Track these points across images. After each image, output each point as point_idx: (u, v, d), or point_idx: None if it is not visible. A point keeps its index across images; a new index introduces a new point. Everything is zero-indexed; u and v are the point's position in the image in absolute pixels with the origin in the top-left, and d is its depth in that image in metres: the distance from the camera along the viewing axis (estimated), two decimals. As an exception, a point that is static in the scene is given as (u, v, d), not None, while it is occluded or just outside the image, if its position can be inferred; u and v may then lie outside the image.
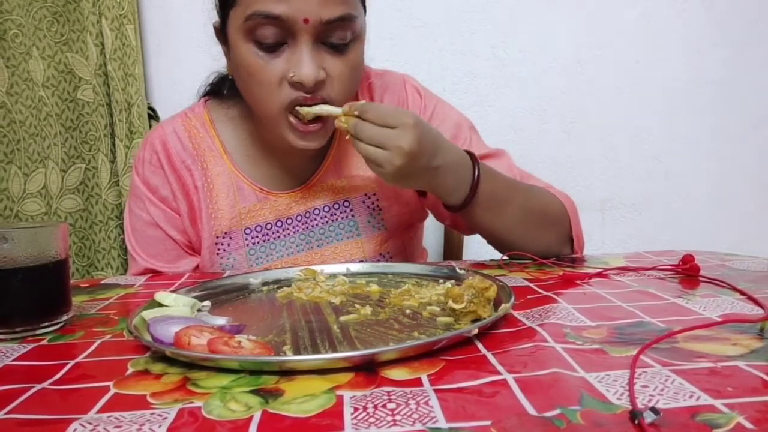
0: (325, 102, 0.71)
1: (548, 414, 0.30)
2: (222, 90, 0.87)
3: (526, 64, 1.41)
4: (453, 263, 0.74)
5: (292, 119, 0.71)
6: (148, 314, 0.50)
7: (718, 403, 0.31)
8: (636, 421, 0.29)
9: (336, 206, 0.84)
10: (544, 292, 0.57)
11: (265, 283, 0.66)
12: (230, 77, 0.80)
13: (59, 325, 0.53)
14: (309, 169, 0.85)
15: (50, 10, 1.27)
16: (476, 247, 1.36)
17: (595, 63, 1.42)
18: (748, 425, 0.28)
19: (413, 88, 0.87)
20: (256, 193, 0.83)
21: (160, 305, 0.54)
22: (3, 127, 1.27)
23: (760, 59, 1.44)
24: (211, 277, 0.72)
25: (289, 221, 0.84)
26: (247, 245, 0.83)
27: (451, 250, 1.21)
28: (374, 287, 0.62)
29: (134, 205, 0.85)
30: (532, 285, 0.61)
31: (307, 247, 0.84)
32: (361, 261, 0.84)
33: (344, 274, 0.68)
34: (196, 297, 0.59)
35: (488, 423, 0.30)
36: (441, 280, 0.63)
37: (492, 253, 0.81)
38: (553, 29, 1.40)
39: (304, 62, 0.67)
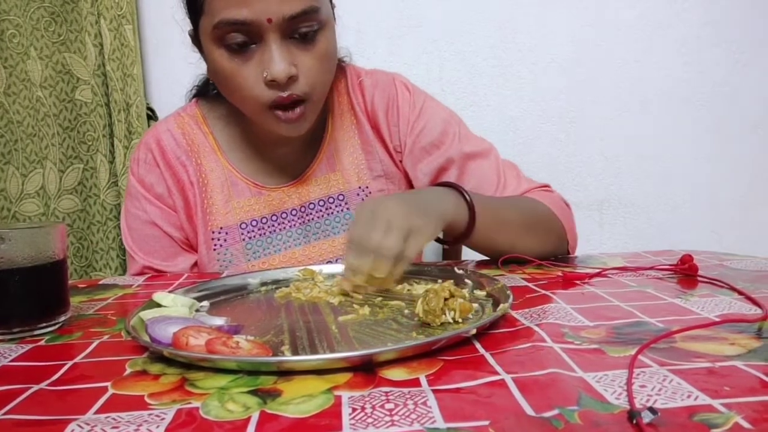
0: (300, 99, 0.72)
1: (546, 414, 0.30)
2: (210, 91, 0.89)
3: (525, 63, 1.41)
4: (452, 263, 0.74)
5: (277, 113, 0.73)
6: (146, 314, 0.50)
7: (716, 402, 0.31)
8: (634, 421, 0.29)
9: (331, 200, 0.86)
10: (543, 292, 0.57)
11: (263, 284, 0.66)
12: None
13: (57, 326, 0.53)
14: (302, 163, 0.86)
15: (48, 10, 1.27)
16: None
17: (594, 63, 1.42)
18: (746, 425, 0.28)
19: (402, 84, 0.87)
20: (249, 188, 0.85)
21: (158, 305, 0.54)
22: (0, 127, 1.27)
23: (760, 59, 1.44)
24: (210, 277, 0.72)
25: (285, 215, 0.85)
26: (244, 239, 0.84)
27: (451, 250, 1.20)
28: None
29: (131, 205, 0.86)
30: (530, 285, 0.61)
31: (305, 241, 0.85)
32: None
33: (343, 275, 0.68)
34: (194, 297, 0.59)
35: (486, 423, 0.30)
36: (440, 280, 0.63)
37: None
38: (552, 29, 1.40)
39: (274, 60, 0.69)
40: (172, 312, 0.52)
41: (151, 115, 1.33)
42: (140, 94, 1.29)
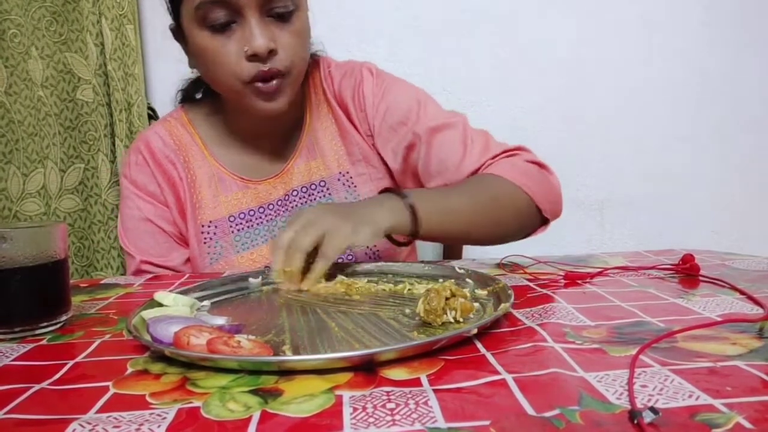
0: (280, 72, 0.76)
1: (547, 414, 0.30)
2: (195, 95, 0.94)
3: (526, 63, 1.41)
4: (453, 263, 0.74)
5: (257, 85, 0.76)
6: (148, 314, 0.50)
7: (717, 402, 0.31)
8: (635, 421, 0.29)
9: (313, 186, 0.88)
10: (544, 291, 0.57)
11: (264, 283, 0.67)
12: (196, 79, 0.89)
13: (58, 325, 0.53)
14: (284, 155, 0.89)
15: (49, 10, 1.26)
16: (476, 247, 1.36)
17: (595, 63, 1.42)
18: (747, 425, 0.28)
19: (367, 70, 0.89)
20: (236, 182, 0.88)
21: (160, 305, 0.54)
22: (2, 126, 1.27)
23: (760, 59, 1.44)
24: (211, 276, 0.73)
25: (271, 206, 0.87)
26: (233, 232, 0.86)
27: (452, 249, 1.20)
28: (374, 287, 0.62)
29: (125, 207, 0.89)
30: (531, 284, 0.61)
31: None
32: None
33: (344, 274, 0.68)
34: (195, 297, 0.59)
35: (487, 423, 0.30)
36: (441, 280, 0.63)
37: (492, 252, 0.81)
38: (553, 29, 1.40)
39: (255, 35, 0.73)
40: (174, 311, 0.52)
41: (153, 115, 1.33)
42: (141, 94, 1.29)
